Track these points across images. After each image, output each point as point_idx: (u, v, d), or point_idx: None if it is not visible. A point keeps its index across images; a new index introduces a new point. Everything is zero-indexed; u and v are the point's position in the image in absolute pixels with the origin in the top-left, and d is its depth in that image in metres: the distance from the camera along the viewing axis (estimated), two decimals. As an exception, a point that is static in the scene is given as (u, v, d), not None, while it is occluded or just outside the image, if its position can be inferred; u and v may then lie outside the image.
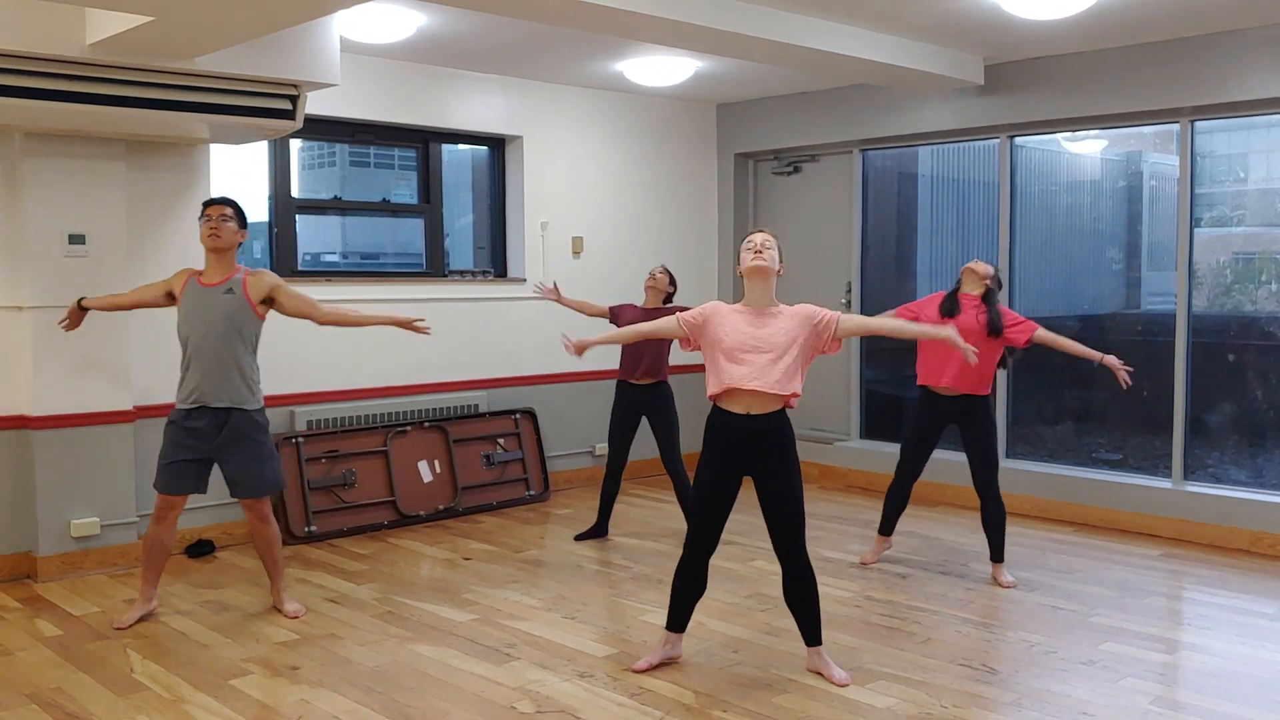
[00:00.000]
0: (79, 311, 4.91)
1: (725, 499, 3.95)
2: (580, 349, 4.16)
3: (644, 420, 5.97)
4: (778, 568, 4.05)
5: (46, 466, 5.31)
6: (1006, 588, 5.15)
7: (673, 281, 6.00)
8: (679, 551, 5.85)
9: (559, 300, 6.03)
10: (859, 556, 5.57)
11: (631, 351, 5.85)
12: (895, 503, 5.46)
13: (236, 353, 4.56)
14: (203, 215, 4.59)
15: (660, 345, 5.85)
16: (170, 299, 4.65)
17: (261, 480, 4.66)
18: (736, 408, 3.86)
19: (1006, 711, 3.76)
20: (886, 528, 5.52)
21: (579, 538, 5.87)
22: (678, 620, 4.12)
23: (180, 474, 4.57)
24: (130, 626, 4.58)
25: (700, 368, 4.20)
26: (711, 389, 3.91)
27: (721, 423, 3.90)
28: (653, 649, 4.13)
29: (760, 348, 3.81)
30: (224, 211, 4.56)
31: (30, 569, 5.35)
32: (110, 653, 4.34)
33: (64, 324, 4.93)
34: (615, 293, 6.81)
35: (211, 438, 4.56)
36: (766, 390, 3.79)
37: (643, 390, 5.89)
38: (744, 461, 3.90)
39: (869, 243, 7.73)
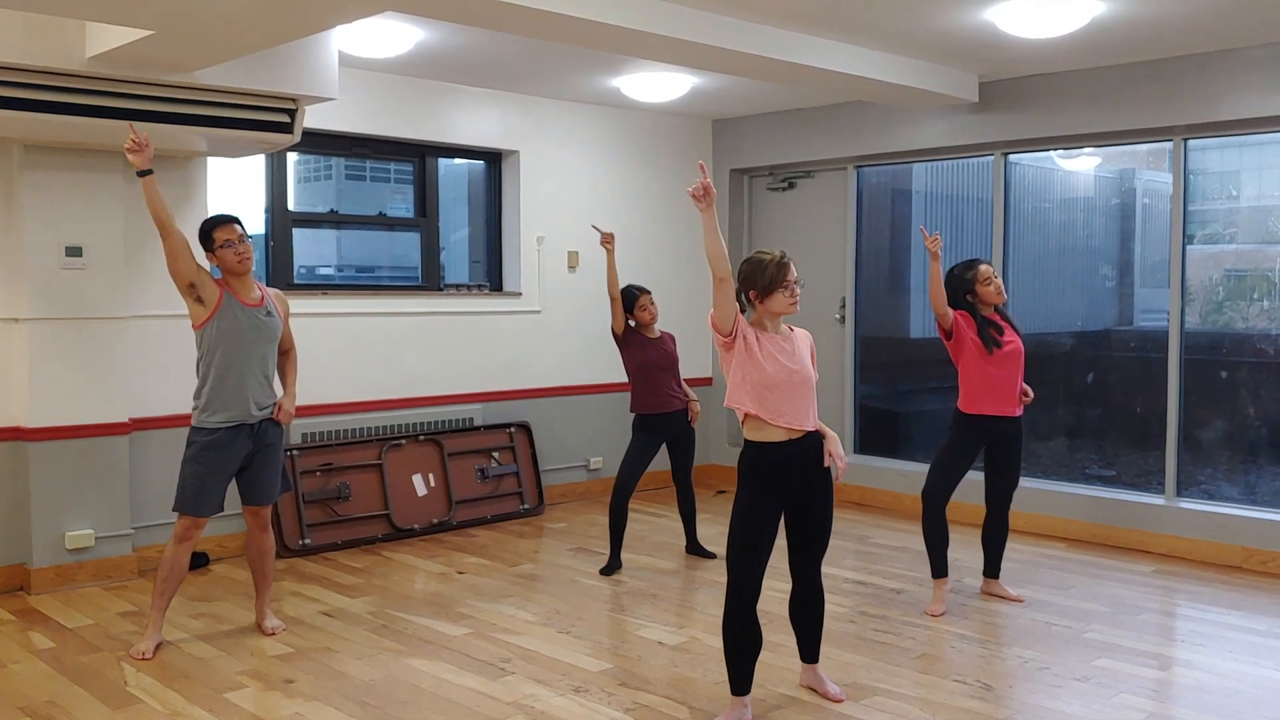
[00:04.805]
0: (148, 173, 4.23)
1: (770, 537, 3.67)
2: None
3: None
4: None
5: (41, 478, 5.30)
6: (1015, 601, 5.17)
7: None
8: (674, 565, 5.91)
9: (608, 249, 5.67)
10: (925, 609, 5.03)
11: (653, 384, 5.75)
12: (944, 536, 5.05)
13: (272, 368, 4.62)
14: (221, 241, 4.44)
15: (676, 367, 5.86)
16: (191, 289, 4.39)
17: (275, 487, 4.68)
18: (778, 436, 3.64)
19: (1001, 727, 3.77)
20: (942, 568, 5.07)
21: (604, 572, 5.78)
22: (741, 682, 3.74)
23: (217, 495, 4.51)
24: (154, 656, 4.43)
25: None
26: (748, 409, 3.63)
27: (766, 457, 3.64)
28: (722, 716, 3.77)
29: (797, 373, 3.65)
30: (241, 232, 4.49)
31: (24, 581, 5.34)
32: (104, 665, 4.33)
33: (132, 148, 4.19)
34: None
35: (247, 452, 4.54)
36: (815, 426, 3.71)
37: (670, 418, 5.80)
38: (790, 491, 3.68)
39: (863, 259, 7.76)
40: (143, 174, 4.21)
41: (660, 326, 5.95)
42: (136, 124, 4.32)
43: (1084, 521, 6.48)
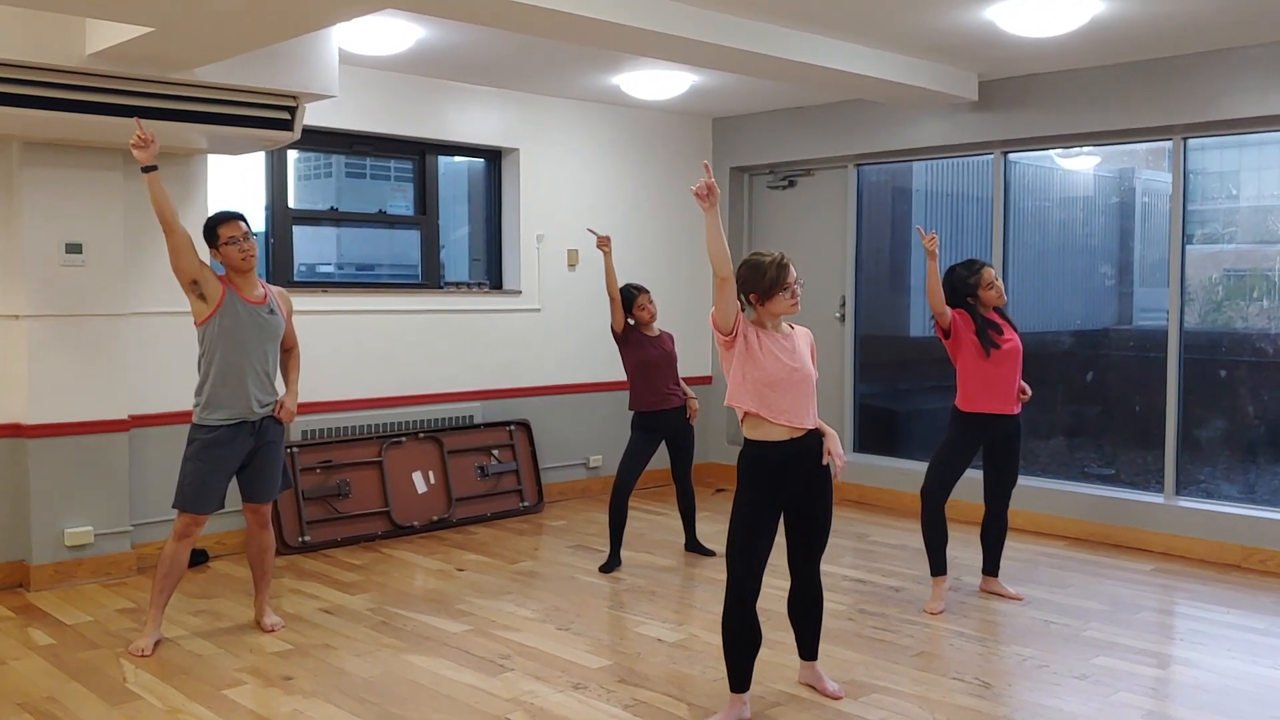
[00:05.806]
0: (152, 169, 4.19)
1: (770, 536, 3.68)
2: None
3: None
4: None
5: (41, 475, 5.30)
6: (1014, 599, 5.18)
7: None
8: (673, 563, 5.92)
9: (605, 252, 5.68)
10: (924, 607, 5.03)
11: (651, 382, 5.76)
12: (943, 534, 5.06)
13: (274, 365, 4.61)
14: (225, 237, 4.43)
15: (675, 366, 5.87)
16: (194, 286, 4.38)
17: (276, 484, 4.69)
18: (778, 435, 3.64)
19: (999, 725, 3.77)
20: (941, 566, 5.07)
21: (603, 569, 5.79)
22: (739, 680, 3.74)
23: (217, 493, 4.50)
24: (153, 653, 4.43)
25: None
26: (749, 407, 3.64)
27: (766, 456, 3.65)
28: (720, 713, 3.77)
29: (798, 371, 3.65)
30: (246, 229, 4.48)
31: (23, 578, 5.34)
32: (104, 662, 4.33)
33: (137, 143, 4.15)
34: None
35: (248, 450, 4.54)
36: (814, 424, 3.71)
37: (668, 415, 5.81)
38: (790, 489, 3.68)
39: (863, 257, 7.77)
40: (147, 170, 4.20)
41: (659, 325, 5.95)
42: (141, 120, 4.31)
43: (1083, 520, 6.48)
